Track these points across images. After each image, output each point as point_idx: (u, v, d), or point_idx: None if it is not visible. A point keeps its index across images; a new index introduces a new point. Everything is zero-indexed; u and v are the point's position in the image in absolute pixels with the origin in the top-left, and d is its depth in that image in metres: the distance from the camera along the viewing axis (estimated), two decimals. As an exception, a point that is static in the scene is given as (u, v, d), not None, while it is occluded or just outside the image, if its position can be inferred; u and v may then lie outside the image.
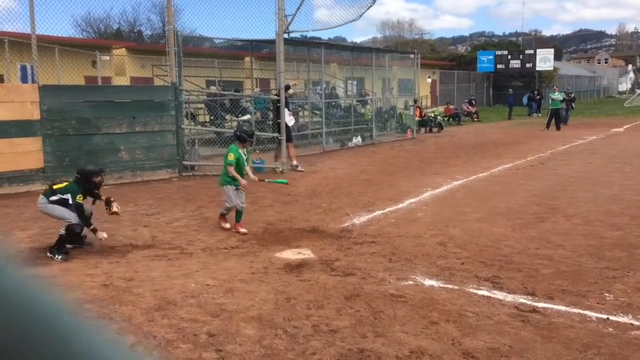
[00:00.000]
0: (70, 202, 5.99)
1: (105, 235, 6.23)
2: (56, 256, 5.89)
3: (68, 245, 6.14)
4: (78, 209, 6.04)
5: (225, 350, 3.70)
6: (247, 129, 7.32)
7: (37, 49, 10.20)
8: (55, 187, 6.15)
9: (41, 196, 6.16)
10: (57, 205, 6.03)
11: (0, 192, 9.54)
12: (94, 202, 6.36)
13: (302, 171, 12.45)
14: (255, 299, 4.64)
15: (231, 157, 6.97)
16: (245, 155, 7.17)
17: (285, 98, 12.85)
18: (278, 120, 12.72)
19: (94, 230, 6.15)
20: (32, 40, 10.03)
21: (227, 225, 7.07)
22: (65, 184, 6.22)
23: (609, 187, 9.80)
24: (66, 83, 15.87)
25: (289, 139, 12.84)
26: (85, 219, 6.12)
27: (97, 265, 5.68)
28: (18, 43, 13.87)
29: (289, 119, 13.03)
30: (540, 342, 3.81)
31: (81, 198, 6.04)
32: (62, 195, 6.01)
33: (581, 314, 4.29)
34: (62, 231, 5.96)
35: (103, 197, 6.40)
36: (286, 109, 12.87)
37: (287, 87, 12.97)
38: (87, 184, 6.17)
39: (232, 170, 6.93)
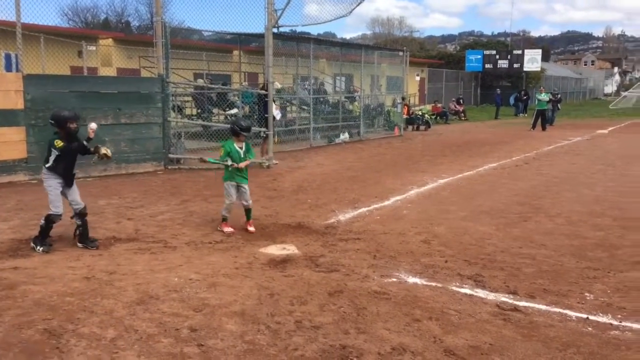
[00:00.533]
0: (57, 153, 5.75)
1: (94, 125, 5.95)
2: (38, 248, 5.82)
3: (79, 245, 6.04)
4: (64, 151, 5.75)
5: (207, 345, 3.68)
6: (244, 123, 7.05)
7: (22, 37, 10.05)
8: (46, 156, 5.92)
9: (43, 166, 5.98)
10: (52, 180, 5.86)
11: (-19, 182, 9.42)
12: (83, 153, 5.98)
13: (275, 164, 12.44)
14: (239, 294, 4.62)
15: (221, 152, 6.77)
16: (242, 149, 6.82)
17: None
18: (265, 115, 12.68)
19: (96, 149, 5.94)
20: (17, 28, 9.88)
21: (229, 230, 6.72)
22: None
23: (593, 188, 9.90)
24: (51, 73, 15.69)
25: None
26: (75, 150, 5.87)
27: (79, 258, 5.62)
28: (2, 31, 13.68)
29: (276, 113, 13.02)
30: (520, 340, 3.84)
31: (60, 143, 5.74)
32: (51, 156, 5.80)
33: (561, 313, 4.33)
34: (42, 222, 5.88)
35: (91, 149, 6.02)
36: (273, 103, 12.87)
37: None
38: (62, 131, 5.82)
39: (228, 163, 6.69)
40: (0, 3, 11.03)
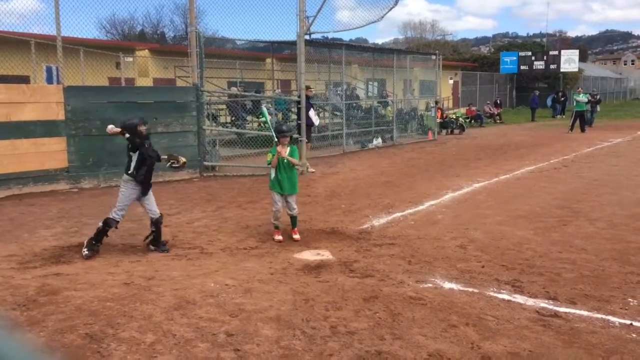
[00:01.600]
0: (135, 157, 6.03)
1: (183, 159, 6.56)
2: (84, 250, 6.02)
3: (152, 247, 6.26)
4: (143, 155, 6.05)
5: (243, 350, 3.72)
6: (284, 127, 6.98)
7: (63, 50, 10.38)
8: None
9: (125, 173, 6.20)
10: (129, 188, 6.09)
11: (25, 190, 9.73)
12: (159, 160, 6.37)
13: (312, 172, 12.51)
14: (274, 299, 4.65)
15: (268, 157, 6.75)
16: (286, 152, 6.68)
17: (308, 97, 13.00)
18: (298, 122, 12.76)
19: (169, 159, 6.47)
20: (58, 41, 10.21)
21: (278, 237, 6.68)
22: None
23: (635, 190, 9.61)
24: (90, 84, 16.14)
25: (307, 139, 12.97)
26: (155, 159, 6.20)
27: (118, 264, 5.75)
28: (44, 44, 14.14)
29: (315, 118, 13.09)
30: (561, 347, 3.75)
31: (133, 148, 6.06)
32: (131, 161, 6.07)
33: (604, 319, 4.21)
34: (100, 224, 6.08)
35: (164, 156, 6.47)
36: (312, 108, 12.96)
37: (307, 87, 13.16)
38: (135, 137, 6.06)
39: (273, 163, 6.64)
40: (41, 18, 11.43)
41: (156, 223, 6.29)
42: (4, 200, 9.16)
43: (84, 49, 17.26)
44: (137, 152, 6.06)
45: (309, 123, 13.00)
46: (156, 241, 6.32)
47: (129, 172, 6.08)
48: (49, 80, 17.22)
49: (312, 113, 12.95)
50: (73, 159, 10.26)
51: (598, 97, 28.33)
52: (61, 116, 10.18)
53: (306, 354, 3.67)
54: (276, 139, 6.69)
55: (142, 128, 6.14)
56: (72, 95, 10.31)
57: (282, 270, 5.48)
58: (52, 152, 10.09)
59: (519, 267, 5.51)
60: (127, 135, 6.10)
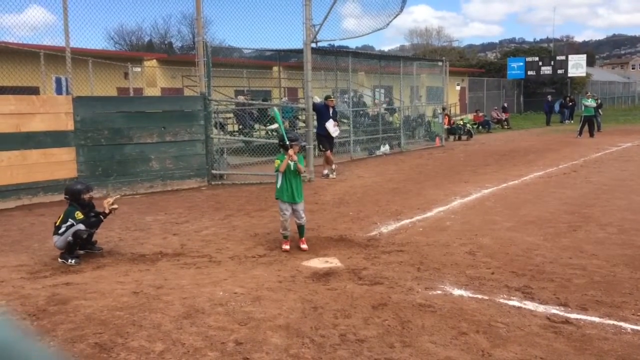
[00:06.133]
0: (75, 224, 6.10)
1: (111, 200, 6.38)
2: (69, 260, 6.06)
3: (80, 252, 6.31)
4: (83, 222, 6.15)
5: (252, 359, 3.71)
6: (290, 134, 6.93)
7: (72, 61, 10.47)
8: (57, 223, 6.23)
9: (53, 236, 6.26)
10: (64, 235, 6.15)
11: (35, 200, 9.80)
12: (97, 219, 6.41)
13: (333, 178, 12.60)
14: (283, 307, 4.64)
15: (276, 163, 6.68)
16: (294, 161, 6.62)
17: (333, 107, 13.37)
18: (312, 130, 12.85)
19: (104, 215, 6.34)
20: (67, 53, 10.30)
21: (286, 247, 6.59)
22: (61, 215, 6.29)
23: (645, 195, 9.53)
24: (99, 94, 16.26)
25: (331, 148, 13.36)
26: (93, 225, 6.29)
27: (127, 273, 5.76)
28: (53, 56, 14.28)
29: (333, 130, 13.15)
30: (573, 354, 3.71)
31: (80, 214, 6.14)
32: (66, 223, 6.14)
33: (616, 325, 4.17)
34: (70, 238, 6.12)
35: (102, 216, 6.43)
36: (331, 119, 13.05)
37: (328, 97, 13.30)
38: (77, 203, 6.23)
39: (282, 167, 6.55)
40: (51, 30, 11.57)
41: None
42: (15, 211, 9.23)
43: (93, 59, 17.42)
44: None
45: (325, 134, 13.15)
46: (71, 250, 6.23)
47: (60, 231, 6.11)
48: (58, 90, 17.38)
49: (330, 124, 13.01)
50: (82, 168, 10.32)
51: (599, 101, 28.17)
52: (70, 126, 10.26)
53: (315, 362, 3.65)
54: (287, 143, 6.62)
55: (86, 196, 6.24)
56: (81, 106, 10.40)
57: (291, 278, 5.47)
58: (61, 162, 10.16)
59: (529, 273, 5.47)
60: (67, 199, 6.24)
